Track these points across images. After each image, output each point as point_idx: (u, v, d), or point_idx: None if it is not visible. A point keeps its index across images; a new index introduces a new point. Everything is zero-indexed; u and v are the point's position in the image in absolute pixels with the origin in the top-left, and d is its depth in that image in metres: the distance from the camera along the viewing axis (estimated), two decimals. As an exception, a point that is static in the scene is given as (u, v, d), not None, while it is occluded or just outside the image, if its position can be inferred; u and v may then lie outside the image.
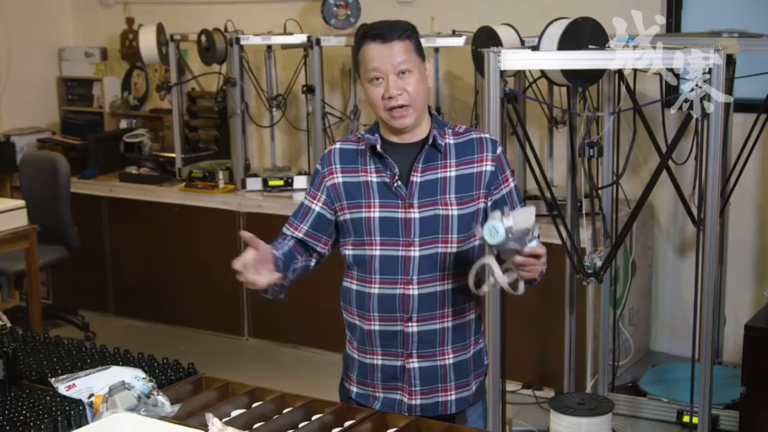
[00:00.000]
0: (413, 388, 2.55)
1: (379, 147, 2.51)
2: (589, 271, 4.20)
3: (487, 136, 2.56)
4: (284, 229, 2.62)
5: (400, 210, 2.49)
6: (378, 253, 2.51)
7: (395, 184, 2.49)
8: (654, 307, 5.38)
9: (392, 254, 2.50)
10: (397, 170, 2.50)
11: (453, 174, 2.50)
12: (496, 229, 2.19)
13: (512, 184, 2.56)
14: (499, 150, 2.55)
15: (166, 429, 2.19)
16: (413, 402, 2.55)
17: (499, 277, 2.31)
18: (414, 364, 2.54)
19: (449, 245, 2.50)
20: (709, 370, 3.80)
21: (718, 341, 4.87)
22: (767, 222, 5.07)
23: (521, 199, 2.59)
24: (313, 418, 2.43)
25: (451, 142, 2.53)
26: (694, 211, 4.00)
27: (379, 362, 2.57)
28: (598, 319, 4.58)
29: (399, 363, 2.55)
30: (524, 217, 2.24)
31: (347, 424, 2.39)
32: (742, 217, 5.02)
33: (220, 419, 2.22)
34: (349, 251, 2.56)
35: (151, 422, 2.23)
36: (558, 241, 4.27)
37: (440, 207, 2.48)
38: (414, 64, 2.45)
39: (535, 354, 4.91)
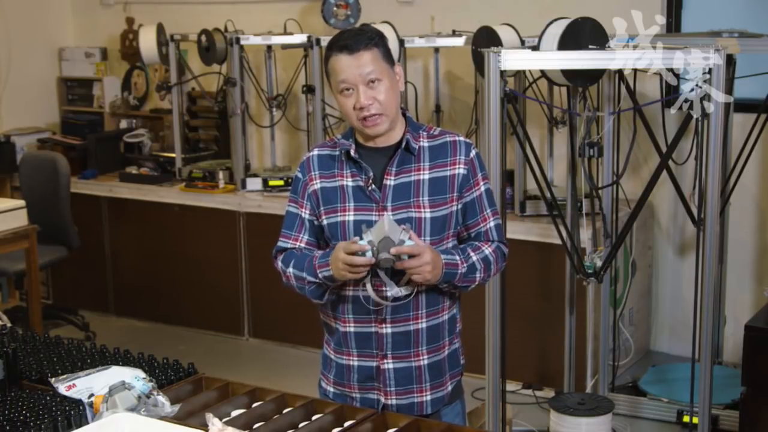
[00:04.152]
0: (388, 389, 2.57)
1: (353, 152, 2.53)
2: (589, 271, 4.19)
3: (462, 139, 2.57)
4: (282, 243, 2.62)
5: (374, 213, 2.50)
6: None
7: (369, 188, 2.51)
8: (654, 307, 5.37)
9: None
10: (371, 174, 2.51)
11: (426, 177, 2.52)
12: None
13: (483, 188, 2.56)
14: (473, 153, 2.55)
15: (166, 429, 2.19)
16: (389, 402, 2.57)
17: (370, 291, 2.46)
18: (389, 365, 2.55)
19: None
20: (709, 370, 3.80)
21: (718, 341, 4.87)
22: (767, 222, 5.07)
23: (493, 203, 2.59)
24: (313, 418, 2.43)
25: (426, 145, 2.55)
26: (694, 211, 4.00)
27: (355, 363, 2.58)
28: (598, 319, 4.58)
29: (374, 364, 2.56)
30: (380, 227, 2.35)
31: (347, 424, 2.39)
32: (742, 217, 5.02)
33: (220, 419, 2.22)
34: None
35: (151, 422, 2.23)
36: (558, 241, 4.28)
37: (413, 209, 2.49)
38: (383, 72, 2.46)
39: (535, 354, 4.91)
